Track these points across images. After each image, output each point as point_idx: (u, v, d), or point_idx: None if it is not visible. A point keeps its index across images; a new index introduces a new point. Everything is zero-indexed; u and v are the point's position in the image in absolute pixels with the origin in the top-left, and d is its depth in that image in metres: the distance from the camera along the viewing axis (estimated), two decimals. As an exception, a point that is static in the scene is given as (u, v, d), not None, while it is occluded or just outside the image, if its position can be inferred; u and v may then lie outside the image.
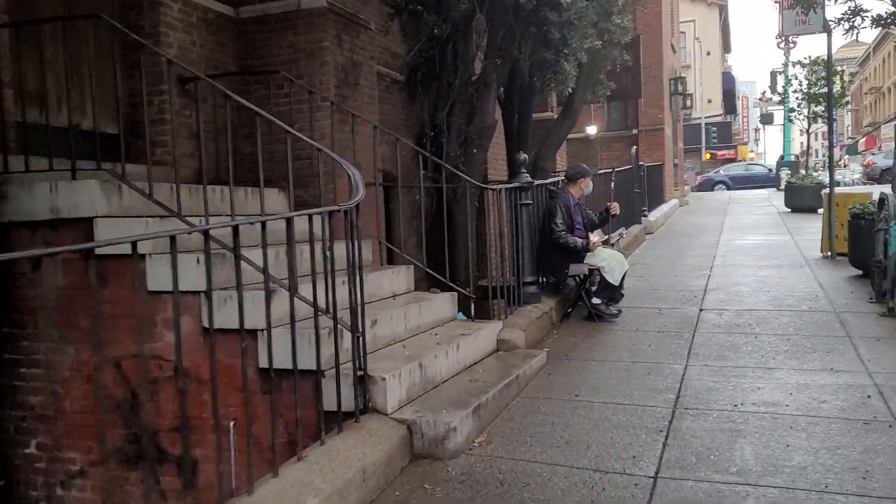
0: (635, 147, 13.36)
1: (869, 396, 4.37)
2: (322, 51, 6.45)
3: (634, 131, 19.23)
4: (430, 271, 5.72)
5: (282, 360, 3.86)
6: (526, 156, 6.49)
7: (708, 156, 42.33)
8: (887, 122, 37.63)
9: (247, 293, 4.04)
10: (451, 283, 5.59)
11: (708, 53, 45.96)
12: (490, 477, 3.50)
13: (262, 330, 4.00)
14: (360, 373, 3.79)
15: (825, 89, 14.44)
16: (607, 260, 6.55)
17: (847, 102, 26.02)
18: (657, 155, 18.40)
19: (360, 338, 3.78)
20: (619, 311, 6.80)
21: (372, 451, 3.44)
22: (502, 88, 10.20)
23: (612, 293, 6.63)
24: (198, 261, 4.08)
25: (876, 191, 8.65)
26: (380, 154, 6.90)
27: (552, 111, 14.13)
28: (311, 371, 3.72)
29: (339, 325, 3.79)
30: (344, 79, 6.74)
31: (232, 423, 4.07)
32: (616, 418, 4.21)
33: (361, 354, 3.77)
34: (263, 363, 4.02)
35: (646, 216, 13.50)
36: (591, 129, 18.80)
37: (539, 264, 6.71)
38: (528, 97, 9.88)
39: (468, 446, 3.86)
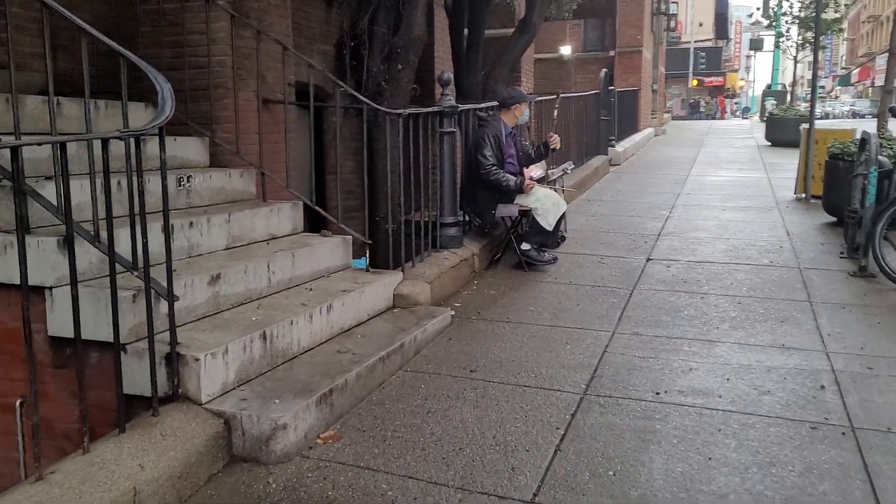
0: (605, 70, 12.21)
1: (822, 387, 3.56)
2: (214, -63, 5.32)
3: (611, 53, 17.88)
4: (318, 208, 4.77)
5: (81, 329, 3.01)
6: (450, 75, 5.46)
7: (695, 83, 40.81)
8: (883, 54, 36.18)
9: (32, 239, 3.14)
10: (342, 225, 4.65)
11: (702, -27, 43.83)
12: (318, 495, 2.67)
13: (50, 288, 3.14)
14: (167, 350, 2.91)
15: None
16: (541, 200, 5.63)
17: (841, 29, 24.62)
18: (634, 79, 17.14)
19: (169, 302, 2.89)
20: (555, 258, 5.94)
21: (157, 460, 2.59)
22: (451, -2, 9.00)
23: (545, 238, 5.73)
24: (-32, 196, 3.12)
25: (860, 127, 7.70)
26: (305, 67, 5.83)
27: (519, 26, 12.84)
28: (111, 344, 2.86)
29: (137, 287, 2.89)
30: (243, -27, 5.60)
31: (19, 402, 3.22)
32: (510, 406, 3.39)
33: (168, 325, 2.89)
34: (54, 331, 3.16)
35: (613, 146, 12.49)
36: (565, 50, 17.46)
37: (464, 203, 5.79)
38: (480, 9, 8.67)
39: (308, 444, 3.03)
